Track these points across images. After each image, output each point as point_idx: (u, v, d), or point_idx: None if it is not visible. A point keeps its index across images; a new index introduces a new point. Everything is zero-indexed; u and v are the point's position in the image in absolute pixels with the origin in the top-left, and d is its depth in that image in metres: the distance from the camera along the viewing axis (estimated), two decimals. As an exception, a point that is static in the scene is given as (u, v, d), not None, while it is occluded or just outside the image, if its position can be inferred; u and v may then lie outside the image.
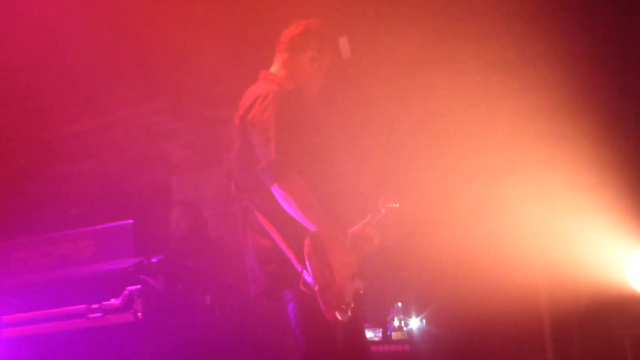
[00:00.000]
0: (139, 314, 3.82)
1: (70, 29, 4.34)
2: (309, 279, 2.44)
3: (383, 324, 4.25)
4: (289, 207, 2.54)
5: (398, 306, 4.25)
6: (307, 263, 2.45)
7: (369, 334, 4.15)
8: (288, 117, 2.63)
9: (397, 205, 2.85)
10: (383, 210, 2.84)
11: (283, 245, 2.59)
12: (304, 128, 2.72)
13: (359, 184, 4.08)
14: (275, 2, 4.06)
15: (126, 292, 3.85)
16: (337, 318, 2.41)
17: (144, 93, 5.03)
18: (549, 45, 4.15)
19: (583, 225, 4.07)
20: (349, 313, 2.44)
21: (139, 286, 3.87)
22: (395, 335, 4.19)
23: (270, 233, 2.64)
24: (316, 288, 2.42)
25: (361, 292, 2.58)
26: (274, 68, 2.93)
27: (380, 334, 4.20)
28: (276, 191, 2.54)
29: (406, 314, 4.26)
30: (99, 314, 3.92)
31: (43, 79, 4.73)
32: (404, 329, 4.21)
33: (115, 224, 4.23)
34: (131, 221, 4.15)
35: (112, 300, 3.91)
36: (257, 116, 2.64)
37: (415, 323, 4.28)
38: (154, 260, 3.99)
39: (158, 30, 4.30)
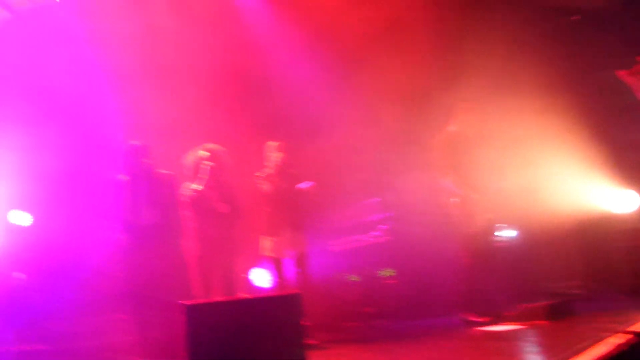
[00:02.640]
0: (384, 239, 8.73)
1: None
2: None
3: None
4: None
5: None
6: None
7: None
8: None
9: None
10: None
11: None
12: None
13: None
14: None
15: (380, 229, 8.83)
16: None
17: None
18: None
19: (592, 184, 7.79)
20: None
21: (385, 226, 8.84)
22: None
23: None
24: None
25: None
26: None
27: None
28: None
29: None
30: (371, 239, 8.84)
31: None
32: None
33: (375, 199, 9.05)
34: (379, 198, 9.07)
35: (375, 233, 8.84)
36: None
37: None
38: (388, 215, 8.90)
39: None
